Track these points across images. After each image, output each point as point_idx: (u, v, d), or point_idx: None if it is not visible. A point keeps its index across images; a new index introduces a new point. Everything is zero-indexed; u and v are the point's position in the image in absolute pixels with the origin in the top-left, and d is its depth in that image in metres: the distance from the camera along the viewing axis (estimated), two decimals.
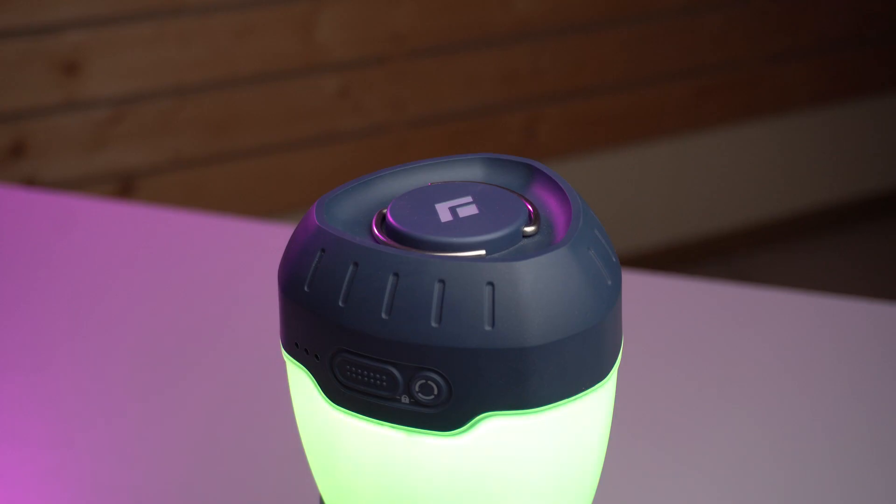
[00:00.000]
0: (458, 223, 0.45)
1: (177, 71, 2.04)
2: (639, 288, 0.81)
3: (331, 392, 0.45)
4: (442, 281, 0.43)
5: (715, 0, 2.32)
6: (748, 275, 2.44)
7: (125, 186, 2.06)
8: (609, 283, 0.45)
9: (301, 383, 0.46)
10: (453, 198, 0.47)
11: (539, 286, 0.43)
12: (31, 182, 1.98)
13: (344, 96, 2.13)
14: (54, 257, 0.85)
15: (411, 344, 0.43)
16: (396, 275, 0.43)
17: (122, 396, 0.72)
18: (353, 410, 0.45)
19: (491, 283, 0.42)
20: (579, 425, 0.45)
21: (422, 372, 0.43)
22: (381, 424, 0.44)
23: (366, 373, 0.44)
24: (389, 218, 0.46)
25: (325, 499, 0.50)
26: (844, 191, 2.61)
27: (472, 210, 0.46)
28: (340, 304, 0.43)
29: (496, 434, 0.44)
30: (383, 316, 0.43)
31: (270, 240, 0.86)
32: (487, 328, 0.42)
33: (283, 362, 0.48)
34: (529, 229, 0.46)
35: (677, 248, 2.48)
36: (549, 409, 0.44)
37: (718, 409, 0.70)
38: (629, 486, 0.65)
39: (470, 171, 0.50)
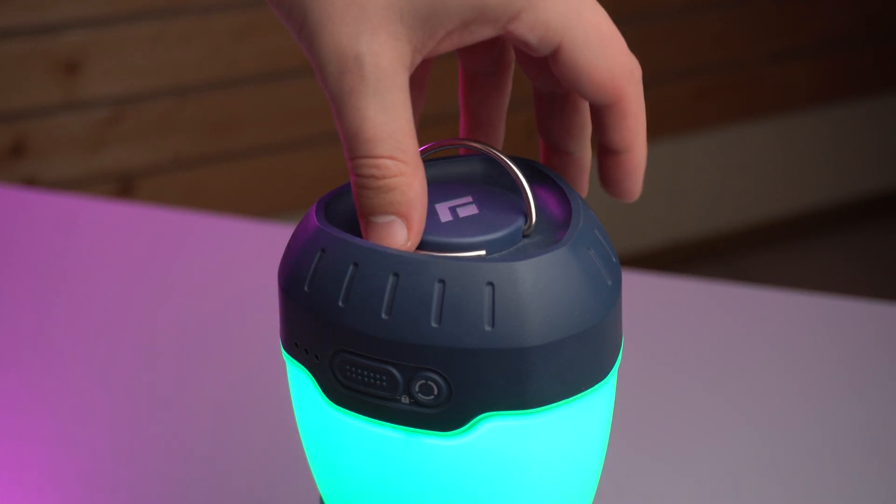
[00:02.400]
0: (458, 223, 0.45)
1: (177, 71, 2.04)
2: (639, 288, 0.81)
3: (331, 392, 0.45)
4: (442, 281, 0.43)
5: (715, 0, 2.32)
6: (748, 275, 2.44)
7: (125, 186, 2.06)
8: (609, 283, 0.45)
9: (301, 383, 0.46)
10: (453, 198, 0.47)
11: (539, 286, 0.43)
12: (31, 182, 1.98)
13: None
14: (54, 257, 0.85)
15: (411, 344, 0.43)
16: (396, 275, 0.43)
17: (122, 396, 0.72)
18: (352, 410, 0.45)
19: (491, 284, 0.42)
20: (579, 425, 0.45)
21: (422, 372, 0.43)
22: (381, 425, 0.44)
23: (366, 373, 0.44)
24: None
25: (324, 499, 0.50)
26: (844, 191, 2.61)
27: (471, 210, 0.46)
28: (340, 304, 0.43)
29: (496, 434, 0.44)
30: (383, 316, 0.43)
31: (270, 240, 0.86)
32: (487, 328, 0.42)
33: (283, 362, 0.48)
34: (531, 221, 0.46)
35: (677, 248, 2.48)
36: (549, 409, 0.44)
37: (718, 410, 0.70)
38: (629, 486, 0.65)
39: (470, 170, 0.50)
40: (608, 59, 0.44)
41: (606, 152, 0.48)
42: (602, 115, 0.46)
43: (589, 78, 0.45)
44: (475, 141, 0.47)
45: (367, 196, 0.44)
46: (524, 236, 0.46)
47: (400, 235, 0.44)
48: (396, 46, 0.43)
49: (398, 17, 0.43)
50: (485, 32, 0.44)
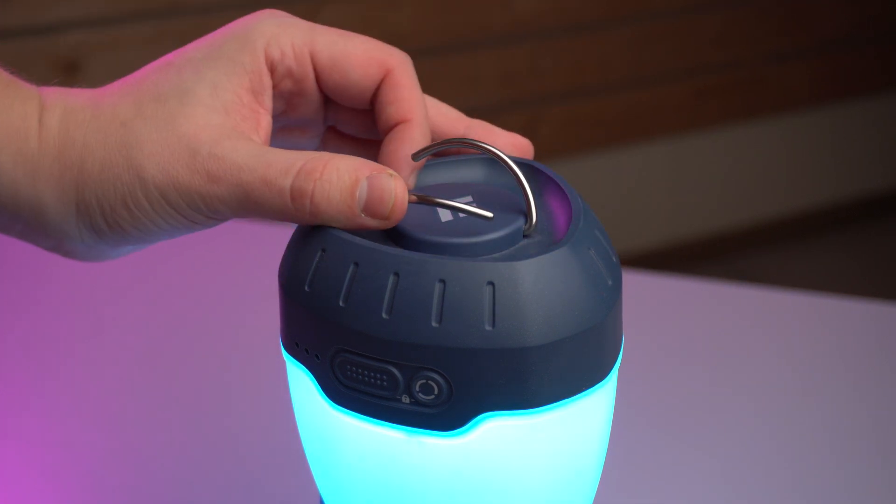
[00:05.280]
0: (458, 223, 0.45)
1: None
2: (639, 288, 0.81)
3: (331, 392, 0.45)
4: (442, 281, 0.43)
5: (715, 0, 2.32)
6: (748, 275, 2.44)
7: None
8: (609, 282, 0.45)
9: (301, 383, 0.46)
10: (454, 198, 0.47)
11: (539, 286, 0.43)
12: None
13: None
14: (54, 258, 0.85)
15: (412, 344, 0.43)
16: (397, 274, 0.43)
17: (122, 396, 0.72)
18: (353, 410, 0.45)
19: (491, 283, 0.42)
20: (580, 425, 0.45)
21: (422, 372, 0.43)
22: (382, 424, 0.44)
23: (366, 373, 0.44)
24: None
25: (325, 499, 0.50)
26: (845, 191, 2.61)
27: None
28: (341, 303, 0.43)
29: (496, 434, 0.44)
30: (384, 316, 0.43)
31: (270, 240, 0.86)
32: (488, 328, 0.42)
33: (283, 362, 0.48)
34: (532, 220, 0.45)
35: (677, 248, 2.47)
36: (550, 409, 0.44)
37: (718, 409, 0.70)
38: (629, 487, 0.65)
39: (470, 170, 0.50)
40: (361, 41, 0.48)
41: (390, 131, 0.49)
42: (377, 95, 0.49)
43: (351, 62, 0.48)
44: (476, 141, 0.47)
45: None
46: (525, 236, 0.46)
47: (388, 181, 0.45)
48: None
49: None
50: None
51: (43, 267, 0.84)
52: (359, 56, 0.48)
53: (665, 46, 2.30)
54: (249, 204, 0.45)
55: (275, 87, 0.48)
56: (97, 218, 0.46)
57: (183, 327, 0.78)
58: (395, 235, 0.45)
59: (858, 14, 2.46)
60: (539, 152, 0.51)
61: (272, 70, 0.48)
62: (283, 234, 0.87)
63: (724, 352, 0.75)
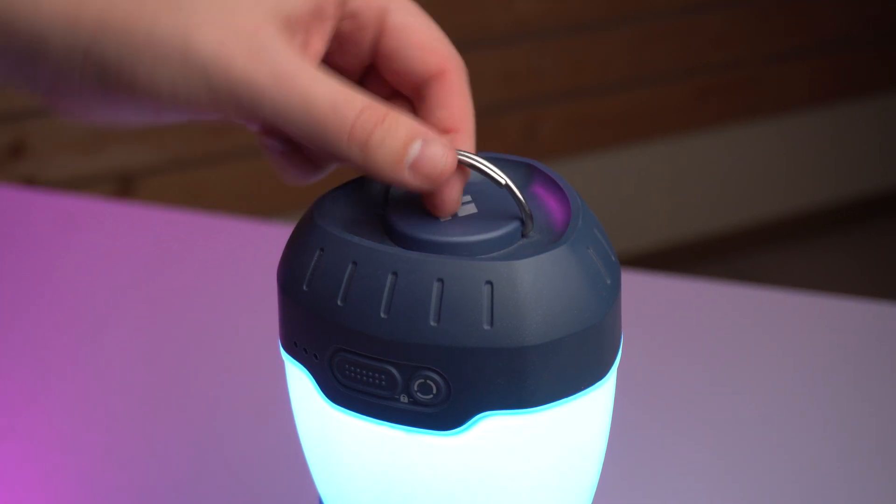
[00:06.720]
0: (457, 222, 0.45)
1: None
2: (639, 288, 0.81)
3: (330, 391, 0.45)
4: (441, 280, 0.43)
5: (715, 0, 2.32)
6: (748, 275, 2.43)
7: (125, 186, 2.06)
8: (608, 282, 0.45)
9: (300, 383, 0.46)
10: None
11: (538, 285, 0.43)
12: (31, 182, 1.98)
13: None
14: (54, 257, 0.85)
15: (410, 343, 0.43)
16: (395, 274, 0.43)
17: (122, 396, 0.72)
18: (351, 410, 0.45)
19: (490, 282, 0.42)
20: (578, 425, 0.45)
21: (421, 371, 0.43)
22: (380, 424, 0.44)
23: (365, 372, 0.44)
24: (388, 217, 0.46)
25: (324, 499, 0.50)
26: (845, 191, 2.61)
27: (470, 209, 0.46)
28: (339, 303, 0.43)
29: (495, 433, 0.44)
30: (382, 315, 0.43)
31: (270, 240, 0.86)
32: (486, 327, 0.42)
33: (282, 362, 0.48)
34: (528, 220, 0.45)
35: (677, 248, 2.47)
36: (548, 408, 0.44)
37: (718, 409, 0.70)
38: (629, 486, 0.65)
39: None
40: (433, 29, 0.46)
41: None
42: (427, 90, 0.47)
43: (416, 41, 0.46)
44: (466, 154, 0.47)
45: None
46: (523, 235, 0.46)
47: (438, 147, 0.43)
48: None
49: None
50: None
51: (43, 267, 0.84)
52: (422, 37, 0.46)
53: (665, 46, 2.30)
54: (302, 124, 0.42)
55: (337, 20, 0.45)
56: (110, 72, 0.41)
57: (182, 327, 0.78)
58: (393, 234, 0.45)
59: (858, 14, 2.46)
60: (539, 152, 0.52)
61: (343, 2, 0.44)
62: (282, 234, 0.87)
63: (724, 352, 0.75)
